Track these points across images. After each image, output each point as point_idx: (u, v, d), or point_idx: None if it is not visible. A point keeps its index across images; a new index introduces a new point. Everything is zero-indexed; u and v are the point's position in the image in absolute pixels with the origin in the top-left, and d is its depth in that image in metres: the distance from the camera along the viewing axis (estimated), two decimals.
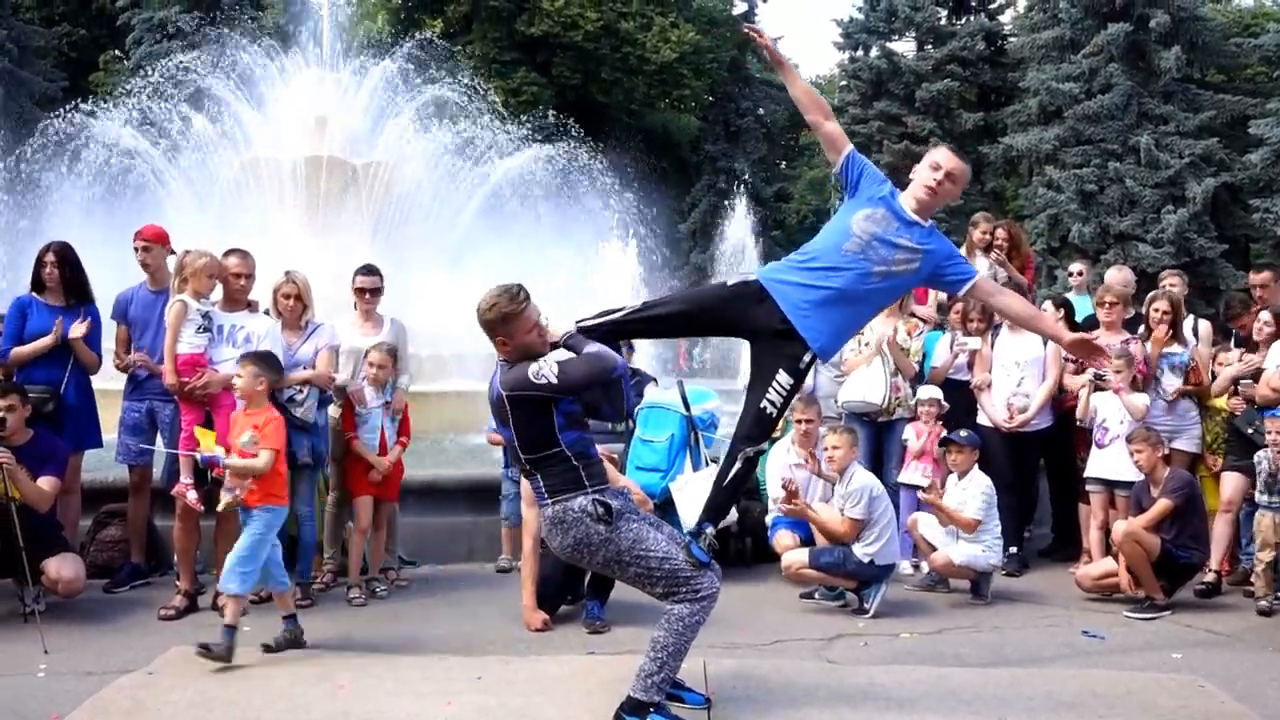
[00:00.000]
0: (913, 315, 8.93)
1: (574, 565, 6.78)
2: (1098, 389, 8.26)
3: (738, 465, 5.04)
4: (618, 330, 5.27)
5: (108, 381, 7.75)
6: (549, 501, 4.86)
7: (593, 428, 8.13)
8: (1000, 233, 9.84)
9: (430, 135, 17.53)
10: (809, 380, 7.17)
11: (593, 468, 4.93)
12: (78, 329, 7.33)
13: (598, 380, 4.85)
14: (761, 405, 5.00)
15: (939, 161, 5.12)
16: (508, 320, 4.82)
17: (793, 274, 5.06)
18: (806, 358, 5.00)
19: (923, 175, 5.12)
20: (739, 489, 5.26)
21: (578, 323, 5.08)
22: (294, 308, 7.43)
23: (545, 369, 4.73)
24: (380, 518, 7.66)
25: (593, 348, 4.83)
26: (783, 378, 4.97)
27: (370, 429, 7.53)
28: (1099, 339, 8.51)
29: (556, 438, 4.83)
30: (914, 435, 8.39)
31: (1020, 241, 10.15)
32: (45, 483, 6.66)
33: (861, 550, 7.14)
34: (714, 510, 5.10)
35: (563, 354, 4.82)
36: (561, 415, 4.84)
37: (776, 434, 8.16)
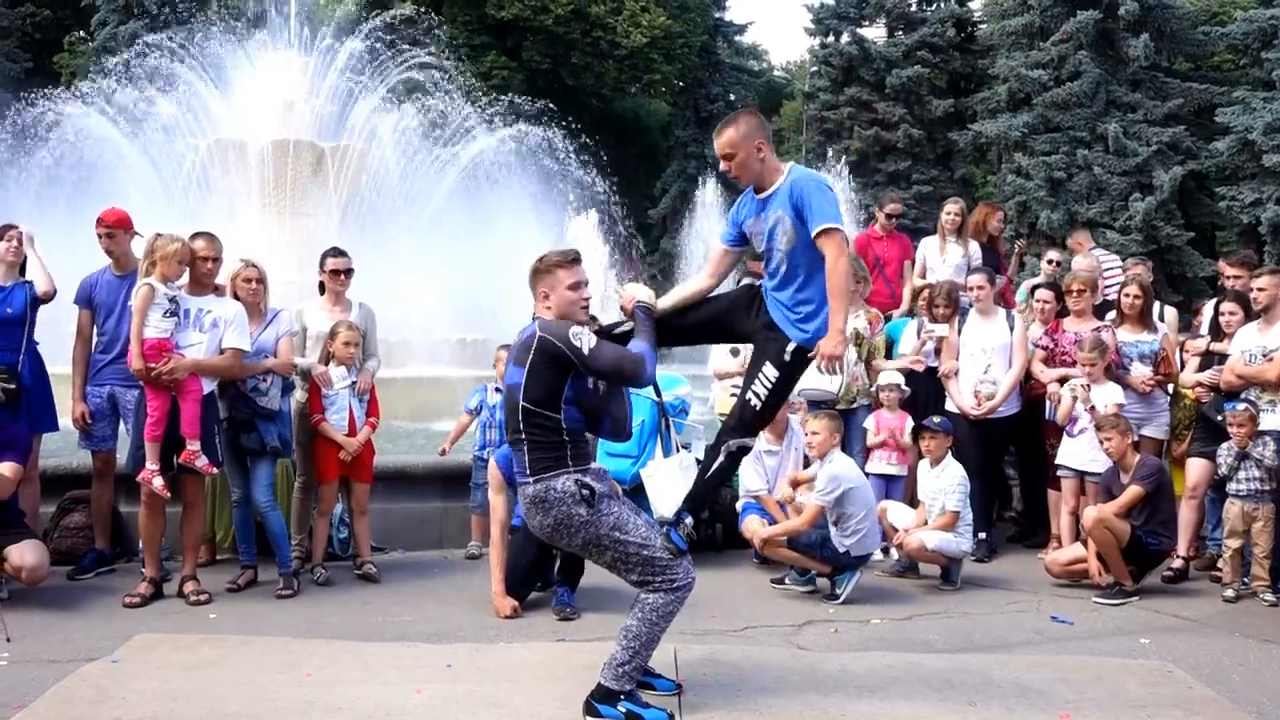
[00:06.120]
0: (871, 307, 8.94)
1: (544, 553, 6.80)
2: (1064, 380, 8.31)
3: (720, 459, 5.05)
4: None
5: (65, 365, 7.61)
6: (530, 479, 4.80)
7: None
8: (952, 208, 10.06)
9: (400, 117, 17.37)
10: None
11: (580, 449, 4.88)
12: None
13: (620, 378, 4.85)
14: (746, 398, 5.01)
15: (717, 151, 5.11)
16: (555, 271, 4.92)
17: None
18: (789, 348, 4.98)
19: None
20: (721, 483, 5.29)
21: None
22: (256, 290, 7.35)
23: (585, 337, 4.75)
24: (360, 501, 7.64)
25: (639, 348, 4.86)
26: (768, 370, 4.98)
27: (338, 410, 7.47)
28: (1069, 328, 8.57)
29: (559, 405, 4.78)
30: (873, 426, 8.42)
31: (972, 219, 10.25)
32: (7, 469, 6.58)
33: (839, 540, 7.12)
34: (693, 501, 5.09)
35: (596, 338, 4.80)
36: (573, 388, 4.82)
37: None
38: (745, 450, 5.19)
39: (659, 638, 4.85)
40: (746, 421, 5.06)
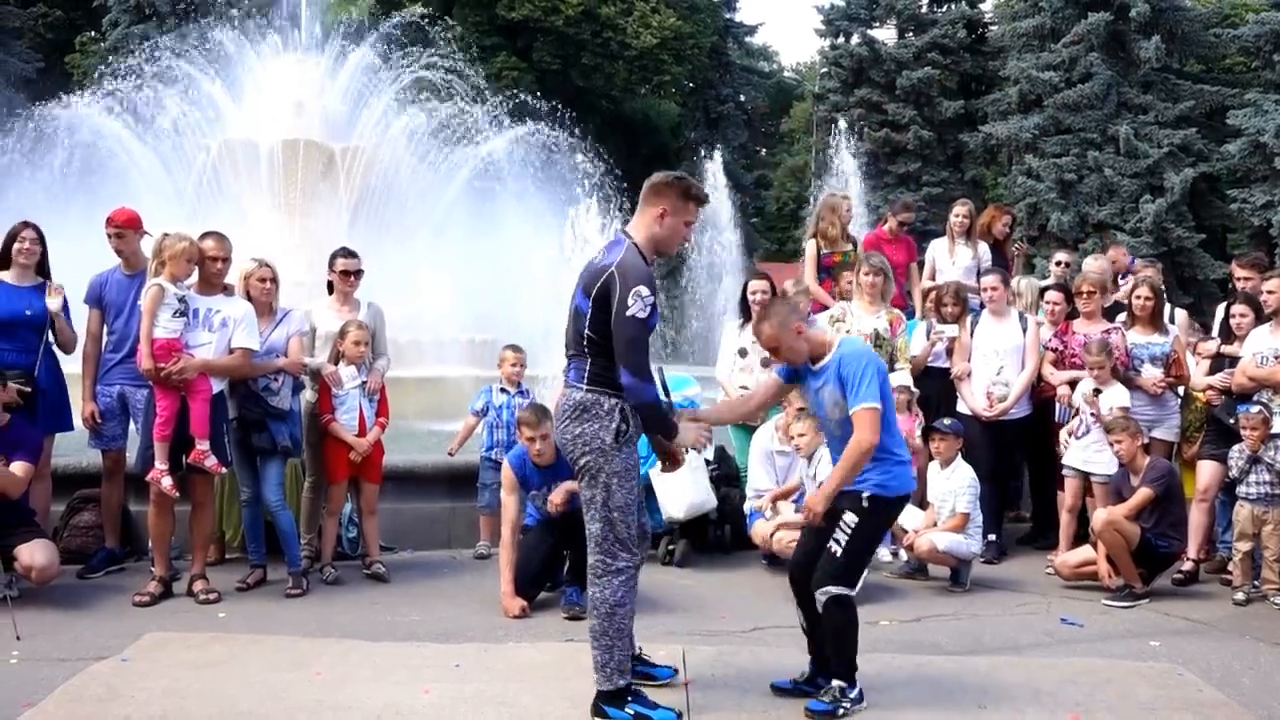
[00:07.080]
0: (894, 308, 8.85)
1: (554, 553, 6.81)
2: (1073, 382, 8.28)
3: (822, 613, 5.03)
4: None
5: (76, 365, 7.63)
6: (583, 387, 4.78)
7: None
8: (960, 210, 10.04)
9: (410, 118, 17.36)
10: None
11: None
12: (54, 300, 7.20)
13: (620, 358, 4.65)
14: (828, 545, 5.05)
15: (764, 348, 5.40)
16: (689, 203, 4.86)
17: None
18: (865, 495, 5.04)
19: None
20: (848, 636, 5.08)
21: None
22: (269, 289, 7.37)
23: (641, 303, 4.61)
24: (370, 501, 7.64)
25: (644, 386, 4.68)
26: (848, 516, 5.02)
27: (348, 409, 7.47)
28: (1079, 330, 8.55)
29: None
30: None
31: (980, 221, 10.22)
32: (18, 468, 6.59)
33: None
34: (839, 664, 5.07)
35: (649, 313, 4.66)
36: None
37: (756, 422, 8.15)
38: (842, 600, 5.02)
39: (627, 626, 4.87)
40: (831, 571, 5.03)
